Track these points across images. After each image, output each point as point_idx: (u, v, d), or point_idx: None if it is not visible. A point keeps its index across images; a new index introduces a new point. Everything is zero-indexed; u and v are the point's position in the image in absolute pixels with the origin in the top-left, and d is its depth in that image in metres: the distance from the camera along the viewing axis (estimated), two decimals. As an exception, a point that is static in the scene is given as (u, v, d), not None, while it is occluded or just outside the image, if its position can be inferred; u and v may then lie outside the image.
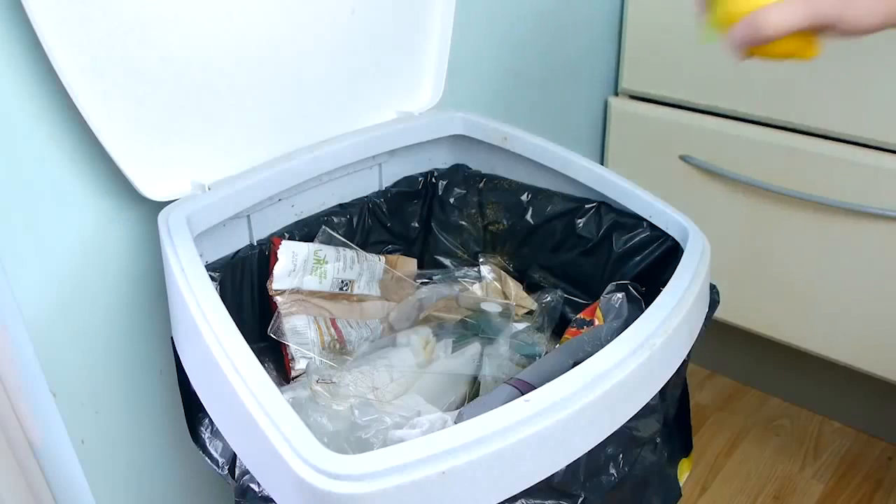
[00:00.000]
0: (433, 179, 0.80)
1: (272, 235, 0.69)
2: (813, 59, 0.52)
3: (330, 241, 0.71)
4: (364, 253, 0.73)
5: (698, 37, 0.55)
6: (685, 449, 0.67)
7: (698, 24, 0.55)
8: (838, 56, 0.88)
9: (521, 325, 0.71)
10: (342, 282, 0.70)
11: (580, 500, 0.48)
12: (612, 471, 0.51)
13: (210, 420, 0.52)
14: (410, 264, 0.78)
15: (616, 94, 1.13)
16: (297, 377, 0.64)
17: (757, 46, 0.51)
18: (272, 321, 0.65)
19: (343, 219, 0.74)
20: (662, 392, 0.52)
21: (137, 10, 0.54)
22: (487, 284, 0.77)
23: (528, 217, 0.76)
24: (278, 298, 0.66)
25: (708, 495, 1.05)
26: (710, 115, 1.03)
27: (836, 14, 0.48)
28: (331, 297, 0.70)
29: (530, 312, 0.74)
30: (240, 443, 0.48)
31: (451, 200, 0.80)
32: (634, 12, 1.05)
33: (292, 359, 0.65)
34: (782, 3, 0.49)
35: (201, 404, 0.52)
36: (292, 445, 0.40)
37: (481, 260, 0.80)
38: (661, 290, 0.54)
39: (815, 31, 0.50)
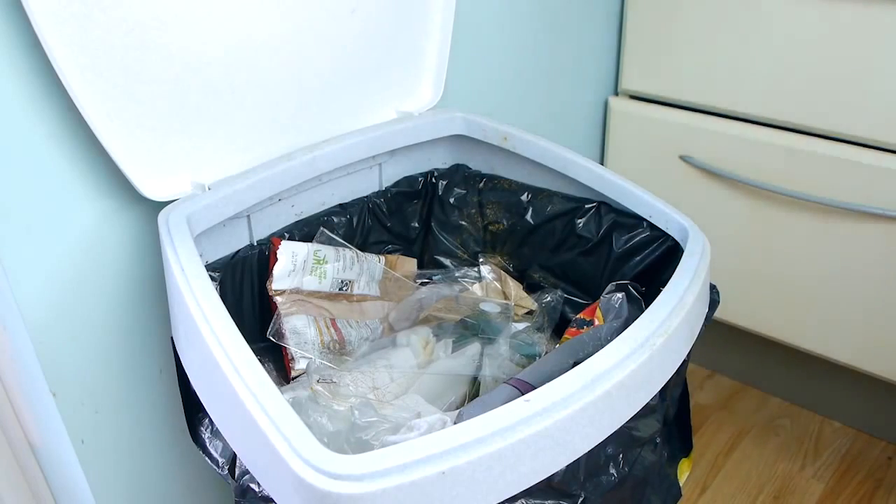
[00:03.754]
0: (433, 179, 0.80)
1: (272, 235, 0.69)
2: None
3: (328, 242, 0.71)
4: (363, 253, 0.73)
5: None
6: (685, 449, 0.67)
7: None
8: (838, 56, 0.88)
9: (520, 325, 0.71)
10: (342, 282, 0.70)
11: (580, 500, 0.48)
12: (612, 471, 0.51)
13: (210, 420, 0.52)
14: (410, 264, 0.78)
15: (616, 94, 1.13)
16: (297, 377, 0.64)
17: None
18: (272, 323, 0.65)
19: (343, 219, 0.74)
20: (662, 392, 0.52)
21: (137, 10, 0.54)
22: (487, 284, 0.77)
23: (528, 217, 0.76)
24: (278, 298, 0.66)
25: (708, 495, 1.05)
26: (710, 115, 1.03)
27: None
28: (331, 297, 0.70)
29: (530, 312, 0.74)
30: (240, 443, 0.48)
31: (451, 200, 0.80)
32: (634, 12, 1.05)
33: (292, 359, 0.65)
34: None
35: (201, 404, 0.52)
36: (292, 445, 0.40)
37: (481, 260, 0.80)
38: (661, 290, 0.54)
39: None
